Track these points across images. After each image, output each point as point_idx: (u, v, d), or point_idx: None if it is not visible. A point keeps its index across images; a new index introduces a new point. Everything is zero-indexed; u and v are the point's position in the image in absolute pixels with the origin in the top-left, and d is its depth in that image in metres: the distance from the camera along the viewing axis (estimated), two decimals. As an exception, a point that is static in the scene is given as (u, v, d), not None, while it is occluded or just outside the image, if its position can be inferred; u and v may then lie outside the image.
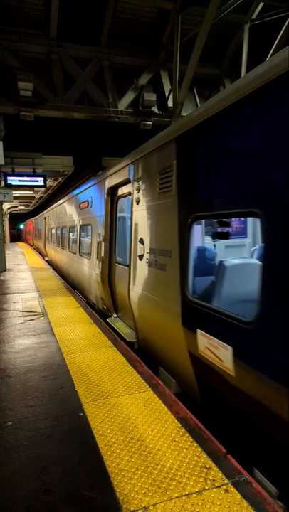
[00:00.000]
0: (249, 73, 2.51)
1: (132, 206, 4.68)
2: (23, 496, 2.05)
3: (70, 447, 2.50)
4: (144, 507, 1.95)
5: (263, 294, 2.24)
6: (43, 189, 21.43)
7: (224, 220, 3.00)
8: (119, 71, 12.49)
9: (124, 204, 5.46)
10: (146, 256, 4.14)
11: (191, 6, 10.28)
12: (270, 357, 2.17)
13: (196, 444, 2.49)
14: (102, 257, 6.01)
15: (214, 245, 5.00)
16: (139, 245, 4.37)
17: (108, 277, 5.83)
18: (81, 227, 8.39)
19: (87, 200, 7.56)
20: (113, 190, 5.76)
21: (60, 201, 13.05)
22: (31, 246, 33.49)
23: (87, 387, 3.39)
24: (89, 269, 7.16)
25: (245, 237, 5.96)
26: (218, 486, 2.09)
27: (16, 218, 55.55)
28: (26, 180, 15.14)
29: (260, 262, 2.39)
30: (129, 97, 12.37)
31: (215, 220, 3.29)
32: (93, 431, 2.67)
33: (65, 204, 11.52)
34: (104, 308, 6.14)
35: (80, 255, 8.28)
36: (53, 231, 14.82)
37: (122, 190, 5.39)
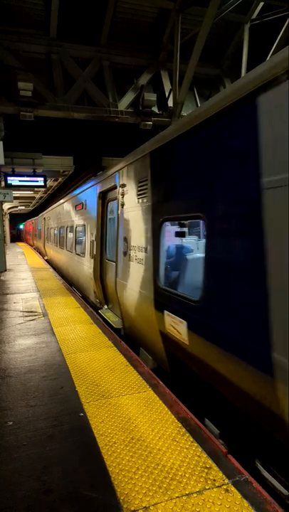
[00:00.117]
0: (193, 111, 3.32)
1: (118, 209, 5.32)
2: (23, 496, 2.05)
3: (71, 447, 2.49)
4: (145, 507, 1.95)
5: (204, 278, 2.91)
6: (43, 189, 21.42)
7: (183, 221, 3.76)
8: (119, 71, 12.49)
9: (113, 207, 5.92)
10: (129, 252, 4.80)
11: (192, 6, 10.28)
12: (210, 326, 2.82)
13: (196, 444, 2.49)
14: (94, 255, 6.65)
15: (197, 244, 5.39)
16: (124, 243, 5.03)
17: (100, 273, 6.49)
18: (77, 227, 8.98)
19: (82, 203, 8.23)
20: (104, 194, 6.39)
21: (58, 203, 13.90)
22: (31, 246, 33.55)
23: (87, 387, 3.39)
24: (84, 266, 7.75)
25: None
26: (218, 486, 2.09)
27: (15, 219, 55.56)
28: (26, 181, 15.14)
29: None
30: (129, 97, 12.37)
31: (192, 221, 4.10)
32: (94, 431, 2.67)
33: (62, 205, 12.23)
34: (96, 301, 6.76)
35: (76, 253, 8.84)
36: (52, 231, 15.53)
37: (110, 195, 6.03)
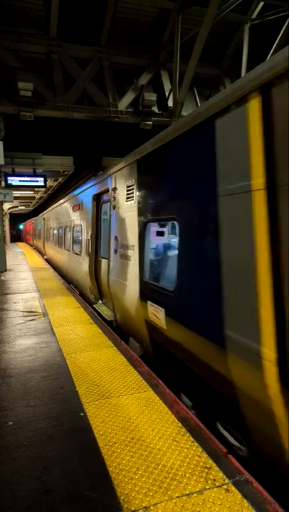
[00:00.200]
0: (167, 128, 3.81)
1: (110, 210, 5.79)
2: (23, 496, 2.05)
3: (71, 447, 2.49)
4: (145, 507, 1.95)
5: (177, 271, 3.44)
6: (43, 189, 21.42)
7: (164, 222, 4.18)
8: (120, 71, 12.49)
9: (106, 208, 6.34)
10: (119, 250, 5.32)
11: (192, 6, 10.27)
12: (182, 311, 3.34)
13: (196, 444, 2.49)
14: (89, 253, 7.17)
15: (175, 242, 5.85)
16: (115, 242, 5.55)
17: (94, 270, 7.00)
18: (74, 227, 9.46)
19: (79, 204, 8.72)
20: (98, 197, 6.89)
21: (57, 204, 14.50)
22: (31, 246, 33.61)
23: (87, 387, 3.39)
24: (80, 264, 8.23)
25: None
26: (218, 486, 2.09)
27: (15, 219, 55.54)
28: (26, 181, 15.14)
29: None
30: (129, 97, 12.37)
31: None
32: (94, 431, 2.67)
33: (60, 207, 12.76)
34: (92, 297, 7.25)
35: (74, 252, 9.33)
36: (51, 231, 16.05)
37: (104, 197, 6.52)
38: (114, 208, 5.57)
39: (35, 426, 2.76)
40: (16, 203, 30.52)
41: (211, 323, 2.78)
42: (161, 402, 3.07)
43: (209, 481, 2.13)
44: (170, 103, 12.38)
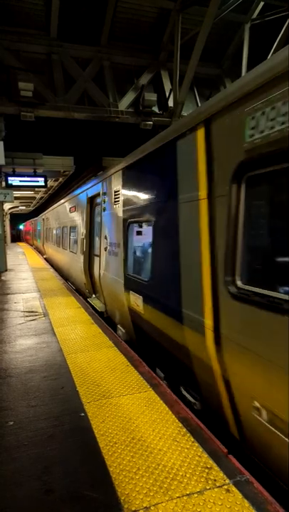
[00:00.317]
0: (146, 143, 4.36)
1: (101, 212, 6.44)
2: (24, 496, 2.05)
3: (71, 447, 2.49)
4: (146, 507, 1.95)
5: (151, 264, 4.12)
6: (43, 189, 21.42)
7: (142, 223, 4.77)
8: (120, 71, 12.49)
9: (98, 210, 6.92)
10: (108, 248, 5.95)
11: (192, 6, 10.27)
12: (154, 297, 4.00)
13: (197, 444, 2.49)
14: (84, 251, 7.82)
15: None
16: (104, 240, 6.18)
17: (88, 266, 7.65)
18: (70, 227, 10.15)
19: (75, 206, 9.41)
20: (91, 200, 7.52)
21: (55, 205, 15.24)
22: (31, 246, 33.70)
23: (88, 387, 3.39)
24: (76, 262, 8.81)
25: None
26: (219, 486, 2.09)
27: (15, 219, 55.53)
28: (27, 181, 15.14)
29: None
30: (129, 97, 12.37)
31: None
32: (94, 431, 2.67)
33: (59, 208, 13.45)
34: (86, 292, 7.86)
35: (70, 251, 10.03)
36: (50, 231, 16.75)
37: (96, 200, 7.09)
38: (104, 210, 6.25)
39: (35, 426, 2.77)
40: (16, 203, 30.54)
41: (173, 304, 3.46)
42: (161, 402, 3.07)
43: (210, 482, 2.13)
44: (170, 103, 12.37)
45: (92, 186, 7.27)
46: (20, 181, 14.89)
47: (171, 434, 2.62)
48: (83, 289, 8.13)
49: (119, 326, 5.70)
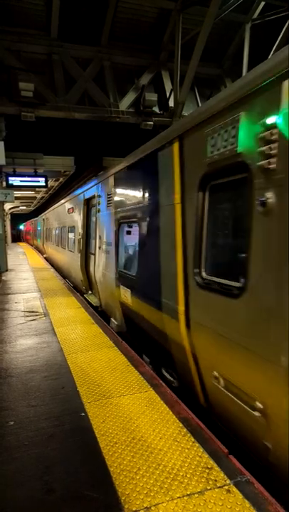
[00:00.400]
0: (135, 151, 4.82)
1: (96, 213, 6.94)
2: (24, 496, 2.05)
3: (72, 447, 2.49)
4: (146, 507, 1.95)
5: (137, 261, 4.64)
6: (44, 189, 21.42)
7: (130, 224, 5.17)
8: (120, 71, 12.48)
9: (94, 211, 7.44)
10: (102, 246, 6.43)
11: (192, 6, 10.26)
12: (140, 290, 4.50)
13: (197, 444, 2.49)
14: (80, 250, 8.31)
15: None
16: (99, 240, 6.71)
17: (84, 264, 8.11)
18: (69, 227, 10.64)
19: (73, 207, 9.94)
20: (87, 202, 7.98)
21: (54, 206, 15.88)
22: (31, 245, 33.79)
23: (88, 387, 3.39)
24: (74, 260, 9.30)
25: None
26: (219, 487, 2.09)
27: (15, 219, 55.54)
28: (28, 181, 15.14)
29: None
30: (130, 97, 12.36)
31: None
32: (95, 431, 2.67)
33: (58, 209, 13.96)
34: (83, 288, 8.30)
35: (69, 250, 10.51)
36: (49, 231, 17.33)
37: (92, 202, 7.58)
38: (98, 212, 6.74)
39: (36, 426, 2.77)
40: (17, 203, 30.57)
41: (155, 295, 3.93)
42: (162, 402, 3.07)
43: (210, 482, 2.13)
44: (171, 103, 12.37)
45: (88, 189, 7.76)
46: (21, 181, 14.90)
47: (171, 434, 2.62)
48: (80, 286, 8.55)
49: (112, 318, 6.14)
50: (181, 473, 2.21)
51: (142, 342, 4.79)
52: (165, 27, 11.67)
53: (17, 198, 24.65)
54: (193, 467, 2.26)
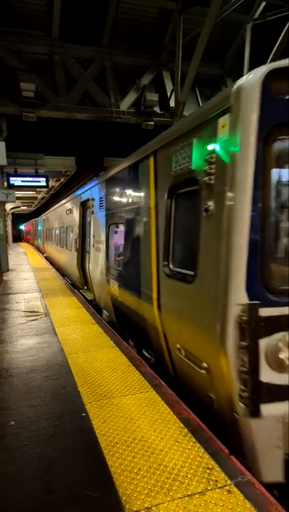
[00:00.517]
0: (125, 159, 5.31)
1: (90, 215, 7.62)
2: (25, 496, 2.05)
3: (73, 447, 2.49)
4: (147, 507, 1.95)
5: (122, 257, 5.28)
6: (45, 189, 21.44)
7: (119, 225, 5.59)
8: (121, 71, 12.49)
9: (89, 213, 8.11)
10: (95, 245, 7.08)
11: (193, 6, 10.26)
12: (125, 282, 5.06)
13: (198, 445, 2.48)
14: (77, 249, 8.96)
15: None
16: (93, 239, 7.34)
17: (80, 262, 8.68)
18: (67, 228, 11.27)
19: (70, 209, 10.56)
20: (83, 204, 8.54)
21: (54, 207, 16.51)
22: (32, 245, 33.89)
23: (89, 387, 3.39)
24: (71, 258, 9.89)
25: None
26: (220, 487, 2.08)
27: (16, 219, 55.60)
28: (29, 181, 15.17)
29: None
30: (131, 97, 12.36)
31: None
32: (95, 431, 2.67)
33: (57, 210, 14.50)
34: (79, 284, 8.89)
35: (67, 249, 11.10)
36: (49, 231, 17.94)
37: (87, 204, 8.15)
38: (92, 213, 7.40)
39: (37, 426, 2.77)
40: (18, 203, 30.63)
41: (136, 285, 4.52)
42: (162, 402, 3.06)
43: (211, 482, 2.13)
44: (172, 103, 12.36)
45: (84, 192, 8.46)
46: (22, 181, 14.93)
47: (172, 434, 2.61)
48: (77, 283, 9.20)
49: (104, 310, 6.78)
50: (182, 474, 2.20)
51: (128, 328, 5.35)
52: (166, 27, 11.67)
53: (18, 198, 24.71)
54: (194, 467, 2.26)
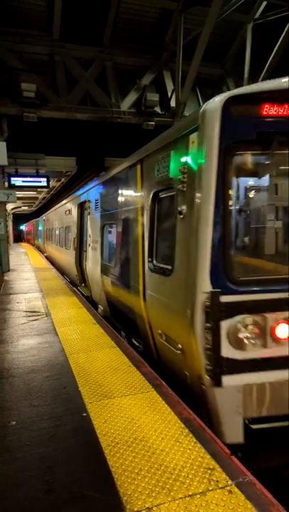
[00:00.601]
0: (118, 165, 5.85)
1: (87, 216, 8.18)
2: (26, 496, 2.05)
3: (74, 447, 2.49)
4: (148, 507, 1.95)
5: (114, 255, 5.74)
6: (46, 190, 21.45)
7: (112, 225, 6.03)
8: (122, 71, 12.49)
9: (86, 214, 8.70)
10: (91, 244, 7.55)
11: (194, 6, 10.25)
12: (115, 277, 5.52)
13: (199, 445, 2.48)
14: (75, 248, 9.50)
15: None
16: (89, 238, 7.87)
17: (78, 260, 9.24)
18: (66, 228, 11.80)
19: (69, 210, 11.14)
20: (81, 205, 9.07)
21: (53, 208, 17.17)
22: (32, 245, 33.97)
23: (90, 387, 3.39)
24: (70, 257, 10.41)
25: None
26: (221, 487, 2.08)
27: (17, 219, 55.60)
28: (30, 181, 15.17)
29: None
30: (131, 98, 12.36)
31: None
32: (96, 431, 2.67)
33: (56, 211, 15.04)
34: (77, 282, 9.43)
35: (65, 247, 11.68)
36: (49, 231, 18.56)
37: (84, 206, 8.64)
38: (89, 214, 7.94)
39: (38, 426, 2.77)
40: (19, 203, 30.66)
41: (126, 280, 4.99)
42: (163, 402, 3.06)
43: (212, 482, 2.12)
44: (173, 103, 12.36)
45: (81, 194, 9.01)
46: (23, 182, 14.93)
47: (173, 434, 2.61)
48: (75, 280, 9.69)
49: (99, 305, 7.24)
50: (183, 474, 2.20)
51: (120, 320, 5.80)
52: (167, 27, 11.67)
53: (19, 199, 24.73)
54: (195, 468, 2.26)
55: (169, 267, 3.51)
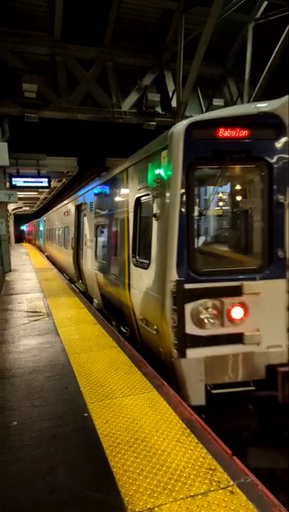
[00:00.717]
0: (113, 169, 6.52)
1: (83, 217, 8.93)
2: (27, 496, 2.05)
3: (75, 448, 2.49)
4: (149, 508, 1.94)
5: (106, 252, 6.45)
6: (47, 190, 21.47)
7: (104, 226, 6.62)
8: (123, 72, 12.49)
9: (82, 215, 9.46)
10: (87, 243, 8.22)
11: (195, 6, 10.24)
12: (107, 272, 6.21)
13: (201, 445, 2.47)
14: (73, 247, 10.15)
15: None
16: (84, 237, 8.58)
17: (76, 258, 9.86)
18: (65, 228, 12.46)
19: (67, 211, 11.81)
20: (78, 207, 9.75)
21: (53, 209, 17.86)
22: (33, 245, 34.09)
23: (91, 387, 3.39)
24: (68, 255, 11.09)
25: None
26: (223, 488, 2.08)
27: (18, 220, 55.61)
28: (31, 182, 15.19)
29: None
30: (132, 98, 12.36)
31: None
32: (98, 431, 2.66)
33: (56, 212, 15.58)
34: (75, 279, 10.13)
35: (64, 247, 12.36)
36: (49, 231, 19.19)
37: (81, 208, 9.36)
38: (84, 216, 8.70)
39: (39, 426, 2.77)
40: (20, 203, 30.67)
41: (114, 274, 5.64)
42: (165, 402, 3.06)
43: (214, 483, 2.12)
44: (174, 103, 12.35)
45: (78, 197, 9.73)
46: (24, 182, 14.95)
47: (174, 435, 2.61)
48: (74, 277, 10.35)
49: (94, 299, 7.90)
50: (185, 474, 2.20)
51: (111, 311, 6.39)
52: (168, 27, 11.66)
53: (20, 199, 24.75)
54: (196, 468, 2.25)
55: (147, 261, 4.14)
